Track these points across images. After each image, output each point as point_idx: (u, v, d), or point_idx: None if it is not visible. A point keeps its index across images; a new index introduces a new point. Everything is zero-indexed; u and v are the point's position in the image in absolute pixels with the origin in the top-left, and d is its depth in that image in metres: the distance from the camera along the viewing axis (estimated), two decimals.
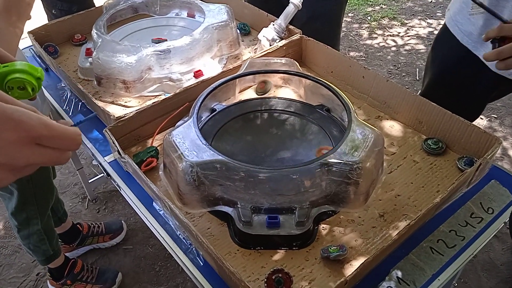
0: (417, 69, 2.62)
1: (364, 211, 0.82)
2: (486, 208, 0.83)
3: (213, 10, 1.22)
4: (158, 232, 0.80)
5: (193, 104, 0.87)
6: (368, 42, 2.93)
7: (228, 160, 0.74)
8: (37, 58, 1.31)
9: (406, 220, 0.80)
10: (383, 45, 2.89)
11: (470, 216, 0.82)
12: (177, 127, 0.83)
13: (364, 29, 3.07)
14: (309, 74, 0.96)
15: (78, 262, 1.46)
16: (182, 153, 0.75)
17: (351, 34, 3.01)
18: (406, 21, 3.13)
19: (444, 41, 1.14)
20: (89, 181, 1.76)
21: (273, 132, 0.96)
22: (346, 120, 0.84)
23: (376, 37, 2.98)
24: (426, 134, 0.97)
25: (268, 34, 1.20)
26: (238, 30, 1.27)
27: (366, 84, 1.06)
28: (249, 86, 1.09)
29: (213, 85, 0.91)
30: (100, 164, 0.95)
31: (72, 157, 1.67)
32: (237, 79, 1.00)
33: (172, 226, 0.80)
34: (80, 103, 1.12)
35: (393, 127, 1.00)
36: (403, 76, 2.58)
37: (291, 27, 1.22)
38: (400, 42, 2.92)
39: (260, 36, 1.22)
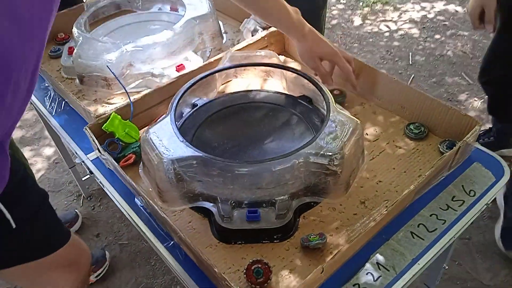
0: (410, 53, 2.60)
1: (346, 198, 0.82)
2: (468, 190, 0.83)
3: (194, 3, 1.21)
4: (140, 228, 0.80)
5: (172, 100, 0.87)
6: (361, 28, 2.91)
7: (205, 155, 0.74)
8: None
9: (387, 206, 0.79)
10: (376, 31, 2.86)
11: (452, 199, 0.81)
12: (155, 124, 0.83)
13: (356, 15, 3.05)
14: (285, 65, 0.96)
15: None
16: (158, 151, 0.75)
17: (343, 21, 2.98)
18: (399, 6, 3.09)
19: None
20: (83, 178, 1.77)
21: (256, 125, 0.95)
22: None
23: (369, 23, 2.95)
24: (409, 119, 0.96)
25: (250, 25, 1.19)
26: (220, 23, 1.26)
27: None
28: (230, 80, 1.09)
29: (192, 81, 0.91)
30: (83, 162, 0.95)
31: (64, 156, 1.68)
32: (217, 73, 1.00)
33: (152, 221, 0.81)
34: (63, 102, 1.12)
35: (375, 113, 1.00)
36: (396, 61, 2.57)
37: None
38: (393, 27, 2.89)
39: (241, 27, 1.21)
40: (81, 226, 1.68)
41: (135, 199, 0.85)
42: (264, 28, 1.19)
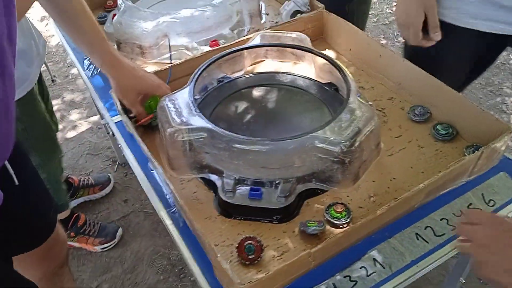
0: None
1: (354, 191, 0.80)
2: (487, 200, 0.78)
3: None
4: (145, 189, 0.82)
5: (194, 72, 0.88)
6: None
7: (214, 127, 0.74)
8: None
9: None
10: None
11: (467, 206, 0.77)
12: (174, 93, 0.85)
13: None
14: (312, 49, 0.94)
15: (81, 216, 1.55)
16: (171, 118, 0.77)
17: None
18: None
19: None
20: (119, 145, 1.84)
21: (277, 107, 0.94)
22: None
23: None
24: (438, 119, 0.92)
25: (289, 7, 1.17)
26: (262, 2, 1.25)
27: (382, 63, 1.02)
28: (261, 60, 1.08)
29: (215, 56, 0.91)
30: (107, 123, 0.99)
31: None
32: (245, 52, 0.99)
33: (161, 186, 0.82)
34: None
35: (404, 109, 0.96)
36: None
37: (315, 1, 1.18)
38: None
39: (281, 9, 1.20)
40: (112, 190, 1.75)
41: (148, 163, 0.87)
42: (303, 12, 1.17)
